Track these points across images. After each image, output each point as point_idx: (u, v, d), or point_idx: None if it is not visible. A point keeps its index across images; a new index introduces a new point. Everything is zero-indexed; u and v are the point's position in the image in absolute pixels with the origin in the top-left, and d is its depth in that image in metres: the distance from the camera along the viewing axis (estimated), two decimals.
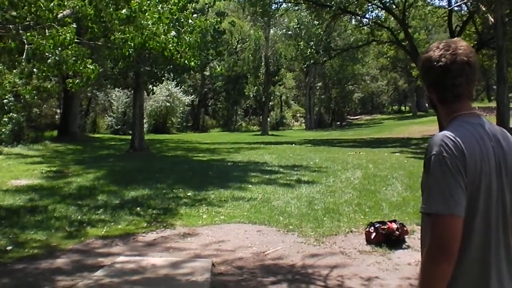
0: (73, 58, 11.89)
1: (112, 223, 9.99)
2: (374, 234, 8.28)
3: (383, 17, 42.02)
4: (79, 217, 10.47)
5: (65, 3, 11.91)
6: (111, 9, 11.94)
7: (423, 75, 2.58)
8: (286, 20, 56.72)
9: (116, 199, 12.45)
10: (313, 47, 38.90)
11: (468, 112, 2.50)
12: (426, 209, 2.29)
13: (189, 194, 13.04)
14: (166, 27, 13.35)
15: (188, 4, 20.84)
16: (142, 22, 12.56)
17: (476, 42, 35.77)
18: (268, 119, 60.41)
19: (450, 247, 2.22)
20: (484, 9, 28.86)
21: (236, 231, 9.36)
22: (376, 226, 8.36)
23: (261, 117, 61.45)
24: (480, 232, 2.34)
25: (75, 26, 12.80)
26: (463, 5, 35.98)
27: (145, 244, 8.70)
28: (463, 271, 2.31)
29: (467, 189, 2.29)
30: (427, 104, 70.85)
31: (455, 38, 2.61)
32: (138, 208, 11.30)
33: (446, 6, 38.59)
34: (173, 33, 13.50)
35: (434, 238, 2.25)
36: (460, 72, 2.44)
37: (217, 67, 34.87)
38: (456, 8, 37.37)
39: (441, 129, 2.54)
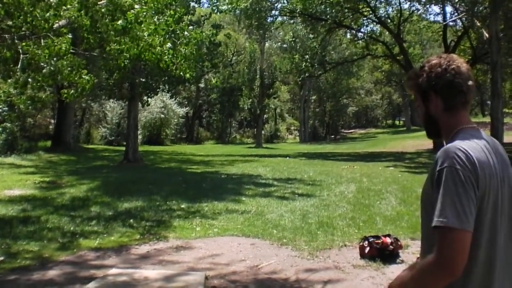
0: (68, 69, 11.89)
1: (105, 235, 9.92)
2: (368, 249, 8.25)
3: (378, 32, 42.29)
4: (72, 228, 10.40)
5: (61, 14, 11.91)
6: (107, 20, 11.95)
7: (433, 80, 2.52)
8: (281, 33, 56.91)
9: (110, 210, 12.38)
10: (308, 60, 39.04)
11: (471, 126, 2.52)
12: (437, 222, 2.22)
13: (182, 206, 12.98)
14: (162, 38, 13.39)
15: (184, 16, 20.92)
16: (138, 33, 12.58)
17: (470, 57, 36.00)
18: (263, 132, 60.51)
19: (457, 263, 2.19)
20: (478, 24, 29.05)
21: (230, 244, 9.31)
22: (370, 240, 8.32)
23: (255, 129, 61.50)
24: (486, 247, 2.32)
25: (70, 36, 12.84)
26: (458, 20, 36.25)
27: (138, 257, 8.63)
28: (467, 286, 2.30)
29: (477, 203, 2.26)
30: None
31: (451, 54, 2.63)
32: (132, 220, 11.24)
33: (441, 21, 38.86)
34: (168, 44, 13.52)
35: (441, 252, 2.20)
36: (470, 76, 2.50)
37: (213, 79, 34.99)
38: (451, 23, 37.65)
39: (436, 144, 2.54)
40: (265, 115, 64.14)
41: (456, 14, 34.51)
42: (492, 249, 2.34)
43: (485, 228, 2.30)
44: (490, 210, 2.32)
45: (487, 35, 26.82)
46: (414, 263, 2.48)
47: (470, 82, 2.49)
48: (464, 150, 2.30)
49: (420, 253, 2.56)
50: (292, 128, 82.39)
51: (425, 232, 2.48)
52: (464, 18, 33.31)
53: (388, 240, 8.34)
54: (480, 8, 30.68)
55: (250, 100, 56.46)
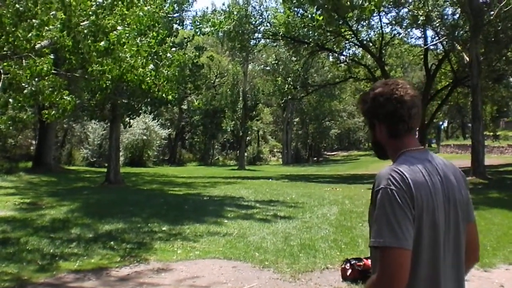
0: (50, 89, 11.84)
1: (85, 257, 9.81)
2: (350, 271, 8.22)
3: (360, 55, 42.53)
4: (51, 250, 10.27)
5: (43, 34, 11.88)
6: (90, 41, 11.93)
7: (375, 109, 2.57)
8: (264, 55, 57.08)
9: (90, 232, 12.27)
10: (291, 82, 39.19)
11: (416, 148, 2.55)
12: (375, 242, 2.25)
13: (164, 228, 12.90)
14: (144, 60, 13.38)
15: (167, 38, 20.95)
16: (120, 54, 12.57)
17: (451, 80, 36.41)
18: (245, 154, 60.49)
19: (398, 281, 2.20)
20: (459, 48, 29.32)
21: (211, 266, 9.24)
22: (352, 262, 8.30)
23: (238, 151, 61.44)
24: (426, 266, 2.34)
25: (52, 57, 12.80)
26: (439, 44, 36.55)
27: (118, 279, 8.54)
28: None
29: (415, 222, 2.29)
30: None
31: (398, 78, 2.72)
32: (112, 242, 11.13)
33: (422, 45, 39.18)
34: (151, 66, 13.51)
35: (383, 271, 2.23)
36: (413, 103, 2.52)
37: (195, 101, 34.95)
38: (432, 47, 37.97)
39: None
40: (248, 137, 64.20)
41: (437, 38, 34.78)
42: (434, 267, 2.37)
43: (424, 246, 2.33)
44: (429, 228, 2.35)
45: (467, 59, 27.06)
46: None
47: (414, 110, 2.52)
48: (398, 171, 2.35)
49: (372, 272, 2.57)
50: (275, 150, 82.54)
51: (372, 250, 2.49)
52: (445, 42, 33.61)
53: (370, 262, 8.32)
54: (461, 32, 30.97)
55: (233, 122, 56.49)
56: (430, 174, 2.42)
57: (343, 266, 8.45)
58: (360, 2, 22.64)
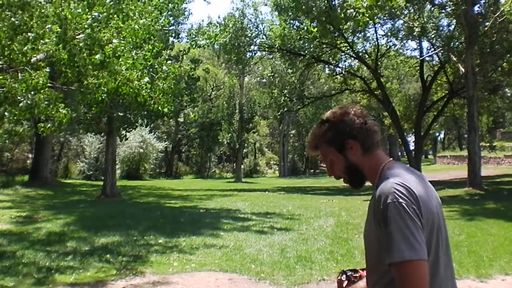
0: (46, 102, 11.83)
1: (81, 270, 9.78)
2: (346, 282, 8.16)
3: (356, 67, 42.55)
4: (47, 264, 10.25)
5: (39, 47, 11.89)
6: (85, 54, 11.94)
7: (345, 128, 2.59)
8: (260, 68, 57.16)
9: (86, 245, 12.24)
10: (287, 95, 39.25)
11: (391, 161, 2.61)
12: (395, 258, 2.22)
13: (160, 241, 12.88)
14: (139, 73, 13.37)
15: (163, 51, 20.97)
16: (116, 67, 12.57)
17: (447, 92, 36.45)
18: (242, 166, 60.45)
19: None
20: (455, 59, 29.39)
21: (207, 279, 9.23)
22: (348, 274, 8.25)
23: (234, 164, 61.46)
24: (431, 273, 2.33)
25: (48, 70, 12.78)
26: (435, 56, 36.64)
27: None
28: None
29: (424, 231, 2.29)
30: (399, 153, 72.10)
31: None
32: (108, 255, 11.11)
33: (418, 56, 39.25)
34: (146, 79, 13.51)
35: (407, 285, 2.21)
36: (374, 121, 2.64)
37: (191, 113, 34.91)
38: (427, 58, 38.03)
39: (374, 184, 2.57)
40: (244, 150, 64.21)
41: (432, 49, 34.86)
42: (434, 270, 2.37)
43: (431, 252, 2.34)
44: (434, 234, 2.37)
45: (463, 70, 27.13)
46: None
47: (375, 127, 2.64)
48: (402, 184, 2.34)
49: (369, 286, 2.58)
50: (272, 162, 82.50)
51: (374, 269, 2.49)
52: (440, 53, 33.70)
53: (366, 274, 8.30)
54: (456, 43, 31.06)
55: (230, 134, 56.51)
56: (423, 184, 2.44)
57: (339, 277, 8.36)
58: (354, 14, 22.64)
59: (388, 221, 2.27)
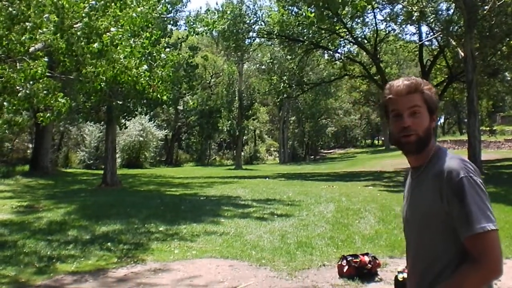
0: (44, 92, 11.82)
1: (82, 259, 9.81)
2: (346, 268, 8.24)
3: (355, 52, 42.57)
4: (48, 253, 10.27)
5: (37, 37, 11.88)
6: (83, 43, 11.92)
7: (436, 101, 2.65)
8: (259, 54, 57.06)
9: (87, 234, 12.27)
10: (286, 81, 39.24)
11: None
12: (476, 229, 2.29)
13: (161, 228, 12.91)
14: (138, 61, 13.35)
15: (161, 39, 20.92)
16: (114, 56, 12.55)
17: (447, 76, 36.43)
18: (242, 153, 60.45)
19: (501, 261, 2.32)
20: (454, 43, 29.34)
21: (208, 266, 9.25)
22: (348, 259, 8.32)
23: (234, 151, 61.48)
24: None
25: (46, 59, 12.78)
26: (434, 40, 36.60)
27: (115, 280, 8.55)
28: None
29: None
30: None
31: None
32: (109, 243, 11.13)
33: (417, 41, 39.22)
34: (145, 67, 13.49)
35: (490, 256, 2.30)
36: None
37: (190, 101, 34.89)
38: (426, 43, 37.99)
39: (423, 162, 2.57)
40: (244, 137, 64.19)
41: (431, 33, 34.78)
42: None
43: None
44: None
45: (462, 54, 27.08)
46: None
47: None
48: (468, 161, 2.46)
49: (422, 276, 2.55)
50: (272, 149, 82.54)
51: (426, 255, 2.51)
52: (439, 38, 33.62)
53: (366, 258, 8.34)
54: (455, 28, 31.02)
55: (229, 121, 56.50)
56: None
57: (339, 263, 8.46)
58: None
59: (464, 194, 2.34)
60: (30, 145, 43.16)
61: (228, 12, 35.56)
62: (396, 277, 3.52)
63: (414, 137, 2.56)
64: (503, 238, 10.91)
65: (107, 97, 22.71)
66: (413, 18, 30.33)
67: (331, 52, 41.41)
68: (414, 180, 2.62)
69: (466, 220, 2.30)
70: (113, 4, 12.72)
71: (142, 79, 13.58)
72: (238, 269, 8.97)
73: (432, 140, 2.59)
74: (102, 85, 14.02)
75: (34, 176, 29.77)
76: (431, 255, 2.48)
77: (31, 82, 11.51)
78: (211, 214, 15.13)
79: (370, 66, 41.34)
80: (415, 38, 41.59)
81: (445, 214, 2.38)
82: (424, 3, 29.33)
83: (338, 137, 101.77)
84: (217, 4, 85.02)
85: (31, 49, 12.53)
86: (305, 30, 35.72)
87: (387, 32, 40.30)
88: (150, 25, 15.83)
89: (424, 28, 38.00)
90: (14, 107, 11.75)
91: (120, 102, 24.52)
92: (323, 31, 36.18)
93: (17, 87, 11.44)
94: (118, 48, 12.72)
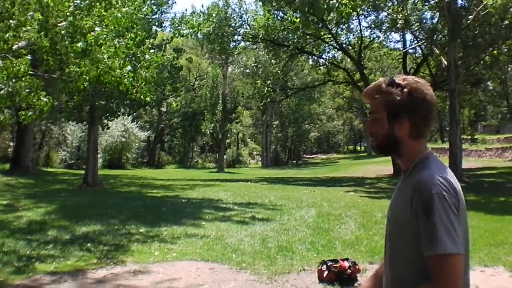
0: (27, 90, 11.74)
1: (61, 259, 9.74)
2: (326, 273, 8.25)
3: (339, 58, 42.73)
4: (28, 252, 10.19)
5: (21, 35, 11.80)
6: (67, 42, 11.85)
7: (411, 105, 2.46)
8: (244, 58, 57.16)
9: (67, 234, 12.19)
10: (270, 85, 39.31)
11: (431, 151, 2.54)
12: (437, 250, 2.21)
13: (141, 230, 12.85)
14: (122, 61, 13.30)
15: (146, 40, 20.87)
16: (98, 55, 12.49)
17: (430, 84, 36.51)
18: (225, 157, 60.44)
19: (459, 287, 2.23)
20: (437, 52, 29.56)
21: (188, 268, 9.23)
22: (328, 264, 8.33)
23: (217, 154, 61.42)
24: (464, 269, 2.33)
25: (30, 58, 12.70)
26: (418, 48, 36.83)
27: (94, 281, 8.50)
28: None
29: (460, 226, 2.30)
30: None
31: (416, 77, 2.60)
32: (89, 244, 11.07)
33: (401, 49, 39.44)
34: (128, 67, 13.44)
35: (445, 280, 2.21)
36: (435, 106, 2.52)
37: (174, 103, 34.77)
38: (410, 51, 38.27)
39: (396, 169, 2.53)
40: (227, 140, 64.27)
41: (415, 41, 35.04)
42: (466, 266, 2.37)
43: (464, 248, 2.32)
44: (465, 232, 2.37)
45: (445, 63, 27.28)
46: None
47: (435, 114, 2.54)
48: (445, 177, 2.33)
49: (392, 282, 2.52)
50: (254, 153, 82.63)
51: (404, 260, 2.44)
52: (423, 46, 33.85)
53: (346, 264, 8.36)
54: (439, 36, 31.26)
55: (212, 124, 56.44)
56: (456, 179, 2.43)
57: (319, 267, 8.47)
58: (337, 5, 22.58)
59: (431, 212, 2.25)
60: (11, 144, 42.86)
61: (214, 15, 35.62)
62: None
63: (375, 142, 2.59)
64: (482, 246, 11.01)
65: (90, 97, 22.62)
66: (398, 26, 30.59)
67: (316, 58, 41.58)
68: (400, 183, 2.57)
69: (430, 239, 2.23)
70: (98, 3, 12.68)
71: (126, 79, 13.52)
72: (218, 272, 8.96)
73: (413, 144, 2.49)
74: (86, 85, 13.95)
75: (14, 175, 29.58)
76: (401, 265, 2.46)
77: (13, 80, 11.44)
78: (192, 217, 15.09)
79: (354, 72, 41.53)
80: (399, 45, 41.87)
81: (413, 226, 2.31)
82: (408, 11, 29.56)
83: (321, 143, 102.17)
84: (202, 6, 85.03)
85: (15, 46, 12.45)
86: (290, 35, 35.88)
87: (371, 39, 40.51)
88: (135, 25, 15.79)
89: (408, 36, 38.40)
90: None
91: (103, 102, 24.43)
92: (308, 37, 36.34)
93: (0, 85, 11.35)
94: (102, 48, 12.66)
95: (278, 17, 35.90)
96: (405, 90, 2.47)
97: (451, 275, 2.20)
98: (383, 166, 38.93)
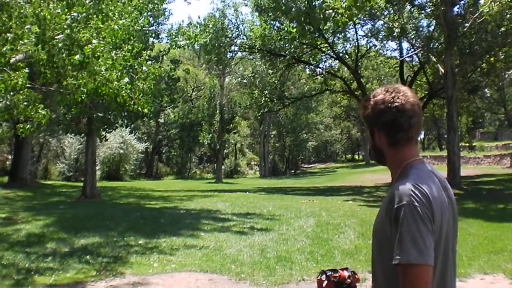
0: (25, 103, 11.77)
1: (60, 271, 9.73)
2: (325, 282, 8.18)
3: (336, 67, 42.74)
4: (27, 265, 10.18)
5: (18, 48, 11.81)
6: (64, 55, 11.87)
7: (374, 117, 2.53)
8: (241, 68, 57.19)
9: (66, 246, 12.18)
10: (267, 95, 39.32)
11: (418, 159, 2.52)
12: (401, 260, 2.22)
13: (140, 242, 12.84)
14: (119, 73, 13.31)
15: (143, 51, 20.89)
16: (95, 68, 12.51)
17: (427, 92, 36.69)
18: (223, 167, 60.31)
19: None
20: (434, 60, 29.59)
21: (187, 279, 9.22)
22: (327, 274, 8.27)
23: (215, 164, 61.30)
24: (438, 279, 2.35)
25: (27, 71, 12.70)
26: (414, 56, 36.89)
27: None
28: None
29: (434, 237, 2.29)
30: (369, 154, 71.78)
31: (399, 85, 2.61)
32: (88, 256, 11.06)
33: (398, 57, 39.50)
34: (126, 79, 13.45)
35: None
36: (414, 112, 2.48)
37: (171, 114, 34.80)
38: (407, 59, 38.29)
39: (393, 178, 2.52)
40: (225, 150, 64.12)
41: (412, 50, 35.07)
42: (442, 280, 2.38)
43: (438, 260, 2.34)
44: (443, 242, 2.37)
45: (442, 70, 27.32)
46: None
47: (414, 120, 2.49)
48: (419, 187, 2.32)
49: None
50: (252, 163, 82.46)
51: (381, 267, 2.47)
52: (420, 54, 33.93)
53: (346, 273, 8.28)
54: (436, 44, 31.32)
55: (210, 135, 56.34)
56: (439, 189, 2.43)
57: (319, 277, 8.40)
58: (333, 14, 22.63)
59: (400, 222, 2.27)
60: (9, 157, 42.84)
61: (210, 25, 35.65)
62: None
63: (370, 154, 2.74)
64: (482, 253, 11.01)
65: (88, 109, 22.62)
66: (394, 34, 30.58)
67: (313, 67, 41.61)
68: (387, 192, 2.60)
69: (397, 249, 2.25)
70: (95, 16, 12.71)
71: (123, 91, 13.54)
72: (217, 283, 8.95)
73: (393, 152, 2.54)
74: (83, 97, 13.95)
75: (13, 187, 29.53)
76: (378, 274, 2.50)
77: (11, 93, 11.46)
78: (190, 228, 15.07)
79: (351, 81, 41.51)
80: (396, 54, 41.92)
81: (389, 236, 2.33)
82: (405, 20, 29.61)
83: (319, 152, 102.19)
84: (199, 17, 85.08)
85: (12, 60, 12.46)
86: (286, 45, 35.91)
87: (368, 47, 40.60)
88: (132, 37, 15.83)
89: (405, 44, 38.27)
90: None
91: (101, 114, 24.43)
92: (305, 46, 36.38)
93: None
94: (100, 60, 12.68)
95: (275, 27, 35.94)
96: (371, 102, 2.55)
97: (415, 285, 2.21)
98: (381, 175, 38.90)
